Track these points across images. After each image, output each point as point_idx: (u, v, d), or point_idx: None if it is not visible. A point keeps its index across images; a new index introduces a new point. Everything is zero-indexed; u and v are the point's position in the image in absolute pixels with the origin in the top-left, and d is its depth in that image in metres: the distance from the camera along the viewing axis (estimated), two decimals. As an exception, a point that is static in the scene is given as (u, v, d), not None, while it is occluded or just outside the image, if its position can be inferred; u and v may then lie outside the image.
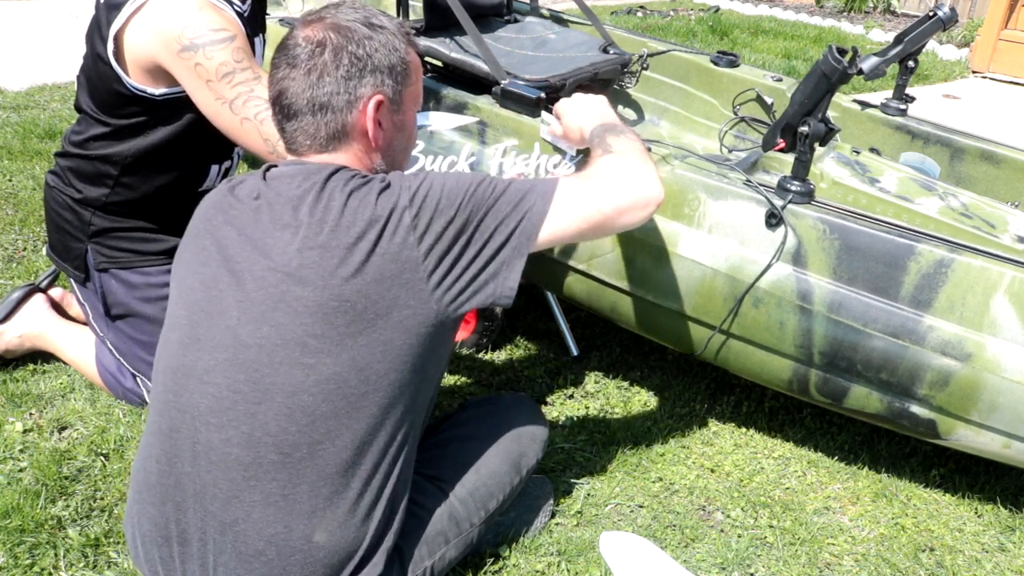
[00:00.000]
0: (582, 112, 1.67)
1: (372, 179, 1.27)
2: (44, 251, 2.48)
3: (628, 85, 2.61)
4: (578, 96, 1.72)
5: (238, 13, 1.71)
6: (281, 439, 1.19)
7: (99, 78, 1.69)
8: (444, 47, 2.23)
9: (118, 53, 1.63)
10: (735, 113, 2.50)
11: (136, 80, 1.66)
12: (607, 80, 2.51)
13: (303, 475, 1.20)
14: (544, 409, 2.03)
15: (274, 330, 1.19)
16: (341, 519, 1.23)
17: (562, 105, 1.74)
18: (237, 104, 1.61)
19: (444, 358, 1.36)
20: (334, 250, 1.20)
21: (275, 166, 1.32)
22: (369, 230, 1.21)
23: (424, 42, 2.25)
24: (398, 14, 2.24)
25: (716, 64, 2.55)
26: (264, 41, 1.93)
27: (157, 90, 1.67)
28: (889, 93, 2.49)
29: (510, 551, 1.59)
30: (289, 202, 1.24)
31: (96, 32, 1.67)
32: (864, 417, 1.75)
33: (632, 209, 1.34)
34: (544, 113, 1.86)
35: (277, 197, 1.25)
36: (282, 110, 1.30)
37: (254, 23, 1.83)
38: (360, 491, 1.24)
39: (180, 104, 1.70)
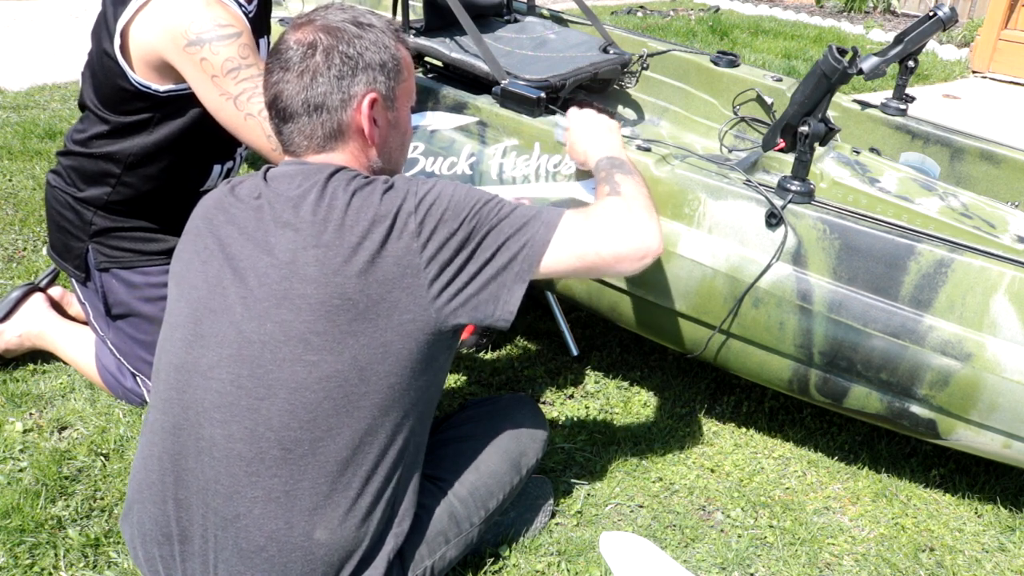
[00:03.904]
0: (593, 137, 1.66)
1: (375, 180, 1.28)
2: (44, 251, 2.49)
3: (628, 85, 2.61)
4: (591, 116, 1.71)
5: (245, 14, 1.71)
6: (283, 435, 1.20)
7: (104, 74, 1.69)
8: (444, 47, 2.23)
9: (124, 48, 1.63)
10: (735, 113, 2.50)
11: (141, 76, 1.66)
12: (607, 80, 2.51)
13: (304, 472, 1.21)
14: (544, 409, 2.03)
15: (277, 326, 1.20)
16: (341, 517, 1.23)
17: (573, 119, 1.73)
18: (241, 100, 1.61)
19: (445, 366, 1.36)
20: (338, 249, 1.20)
21: (274, 166, 1.32)
22: (373, 230, 1.22)
23: (424, 42, 2.25)
24: (395, 13, 2.24)
25: (716, 64, 2.55)
26: (269, 43, 1.93)
27: (162, 87, 1.67)
28: (889, 93, 2.49)
29: (510, 551, 1.59)
30: (290, 201, 1.25)
31: (103, 27, 1.67)
32: (864, 417, 1.75)
33: (629, 258, 1.32)
34: (559, 116, 1.85)
35: (278, 197, 1.26)
36: (278, 113, 1.31)
37: (259, 25, 1.83)
38: (360, 490, 1.24)
39: (184, 102, 1.71)
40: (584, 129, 1.69)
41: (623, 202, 1.37)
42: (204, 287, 1.26)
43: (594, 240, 1.31)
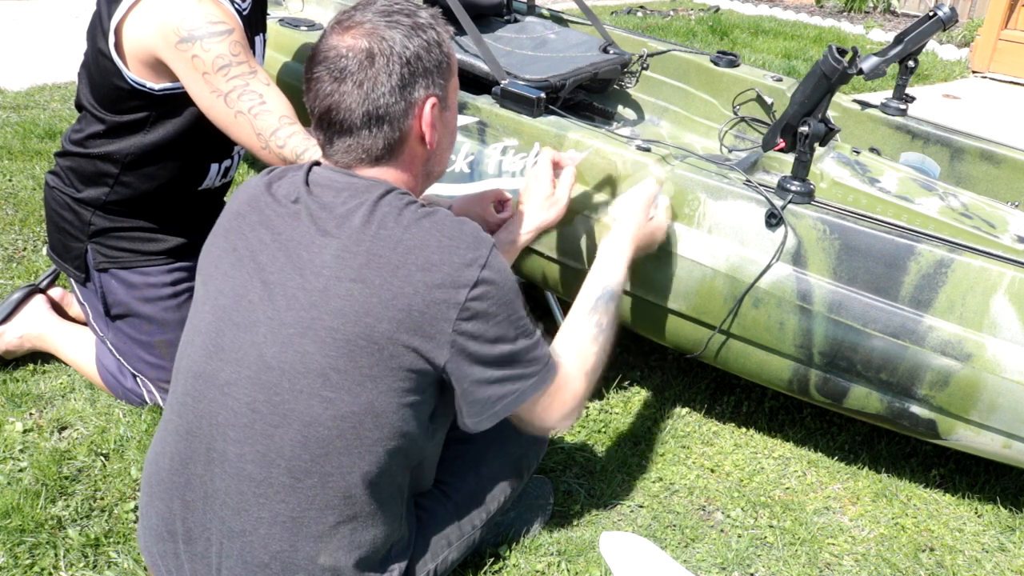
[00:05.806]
0: (634, 243, 1.58)
1: (434, 212, 1.20)
2: (44, 251, 2.49)
3: (628, 85, 2.61)
4: (645, 233, 1.63)
5: (238, 11, 1.71)
6: (294, 464, 1.18)
7: (100, 73, 1.69)
8: (444, 47, 2.23)
9: (118, 46, 1.64)
10: (735, 113, 2.50)
11: (136, 74, 1.66)
12: (607, 80, 2.51)
13: (312, 502, 1.20)
14: (544, 409, 2.03)
15: (299, 357, 1.16)
16: (346, 547, 1.22)
17: (631, 211, 1.63)
18: (232, 97, 1.61)
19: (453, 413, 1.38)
20: (375, 288, 1.14)
21: (318, 164, 1.25)
22: (416, 278, 1.15)
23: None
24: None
25: (716, 64, 2.55)
26: (265, 41, 1.93)
27: (157, 85, 1.68)
28: (889, 93, 2.49)
29: (510, 551, 1.59)
30: (333, 219, 1.18)
31: (97, 26, 1.67)
32: (864, 417, 1.75)
33: (549, 430, 1.38)
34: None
35: (320, 210, 1.19)
36: (333, 126, 1.20)
37: (254, 23, 1.83)
38: (367, 524, 1.24)
39: (180, 100, 1.70)
40: (636, 232, 1.60)
41: (583, 387, 1.36)
42: (231, 296, 1.21)
43: (546, 417, 1.32)
